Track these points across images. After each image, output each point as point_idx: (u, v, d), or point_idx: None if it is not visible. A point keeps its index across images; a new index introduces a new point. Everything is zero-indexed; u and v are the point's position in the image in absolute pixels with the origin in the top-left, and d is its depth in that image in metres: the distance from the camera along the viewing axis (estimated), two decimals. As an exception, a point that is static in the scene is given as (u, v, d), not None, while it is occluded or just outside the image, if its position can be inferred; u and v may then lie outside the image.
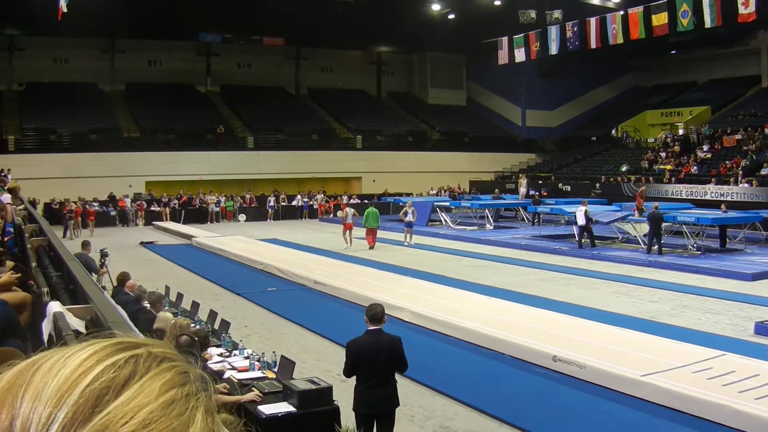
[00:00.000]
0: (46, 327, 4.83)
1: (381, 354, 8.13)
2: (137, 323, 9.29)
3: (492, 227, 38.47)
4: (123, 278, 13.44)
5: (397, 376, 8.45)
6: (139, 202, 45.63)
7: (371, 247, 31.76)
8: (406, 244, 32.70)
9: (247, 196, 50.02)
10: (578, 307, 17.98)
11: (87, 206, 40.40)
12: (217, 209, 47.64)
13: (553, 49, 40.91)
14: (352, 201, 50.96)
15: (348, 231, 32.21)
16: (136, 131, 51.10)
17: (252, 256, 27.16)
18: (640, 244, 29.21)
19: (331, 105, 62.43)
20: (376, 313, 8.31)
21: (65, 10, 29.55)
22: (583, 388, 11.53)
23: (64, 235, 35.30)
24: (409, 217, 33.08)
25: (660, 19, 34.90)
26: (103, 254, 18.82)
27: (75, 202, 40.42)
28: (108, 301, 5.89)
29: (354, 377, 8.31)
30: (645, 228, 28.28)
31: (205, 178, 49.89)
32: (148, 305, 11.53)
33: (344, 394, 8.76)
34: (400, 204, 39.36)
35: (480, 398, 11.13)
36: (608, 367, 11.67)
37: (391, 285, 20.27)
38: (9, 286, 5.79)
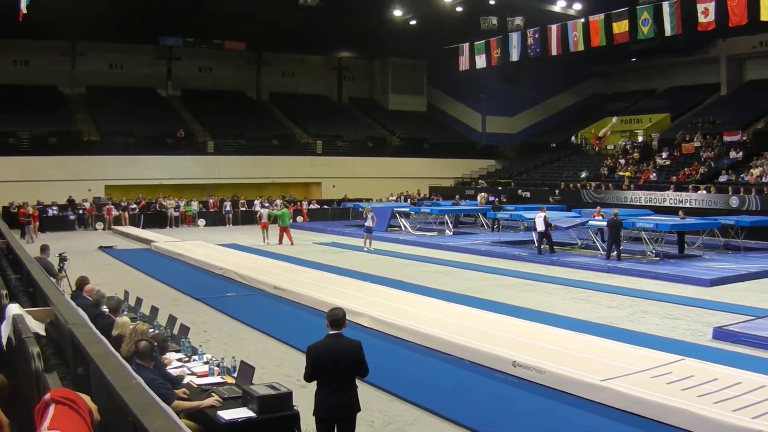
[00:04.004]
0: (5, 329, 4.77)
1: (341, 358, 8.05)
2: (95, 328, 9.18)
3: (451, 233, 38.59)
4: (81, 283, 13.26)
5: (357, 381, 8.40)
6: (107, 207, 45.31)
7: (280, 243, 35.30)
8: (365, 249, 32.76)
9: (210, 201, 49.88)
10: (537, 312, 18.01)
11: (31, 209, 39.75)
12: (177, 214, 47.43)
13: (514, 56, 41.01)
14: (312, 206, 51.25)
15: (264, 230, 36.79)
16: (96, 135, 50.62)
17: (211, 261, 27.01)
18: (599, 250, 29.40)
19: (292, 110, 62.38)
20: (336, 317, 8.24)
21: (25, 11, 29.28)
22: (543, 393, 11.52)
23: (22, 237, 35.32)
24: (369, 223, 33.18)
25: (621, 26, 35.14)
26: (62, 258, 18.58)
27: (32, 207, 40.01)
28: (68, 303, 5.82)
29: (314, 382, 8.25)
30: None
31: (165, 182, 49.66)
32: (107, 310, 11.39)
33: (304, 400, 8.69)
34: (360, 210, 39.41)
35: (440, 403, 11.08)
36: (568, 372, 11.68)
37: (351, 290, 20.19)
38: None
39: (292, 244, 35.28)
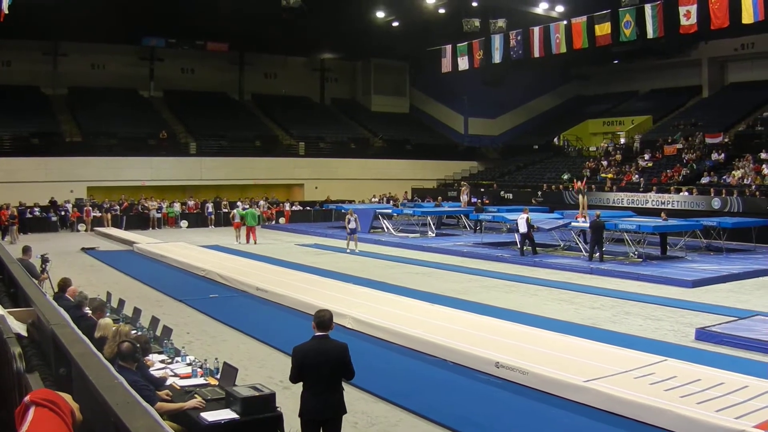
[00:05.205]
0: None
1: (327, 360, 8.00)
2: (78, 329, 9.12)
3: (434, 235, 38.54)
4: (64, 284, 13.16)
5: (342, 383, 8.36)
6: (86, 208, 45.06)
7: (250, 243, 36.96)
8: (349, 251, 32.74)
9: (191, 202, 49.73)
10: (520, 313, 18.01)
11: (14, 210, 39.46)
12: (159, 215, 47.28)
13: (497, 58, 40.95)
14: (294, 208, 51.21)
15: (237, 229, 38.18)
16: (78, 136, 50.42)
17: (194, 263, 26.92)
18: (581, 251, 29.43)
19: (275, 111, 62.34)
20: (323, 319, 8.18)
21: (6, 11, 29.13)
22: (526, 395, 11.53)
23: (3, 238, 35.33)
24: (352, 224, 33.12)
25: (603, 29, 35.17)
26: (44, 260, 18.47)
27: (15, 207, 39.82)
28: (50, 304, 5.77)
29: (299, 383, 8.21)
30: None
31: (147, 184, 49.56)
32: (89, 312, 11.33)
33: (287, 401, 8.68)
34: (342, 211, 39.39)
35: (423, 405, 11.07)
36: (551, 373, 11.68)
37: (334, 291, 20.14)
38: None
39: (250, 243, 36.89)
